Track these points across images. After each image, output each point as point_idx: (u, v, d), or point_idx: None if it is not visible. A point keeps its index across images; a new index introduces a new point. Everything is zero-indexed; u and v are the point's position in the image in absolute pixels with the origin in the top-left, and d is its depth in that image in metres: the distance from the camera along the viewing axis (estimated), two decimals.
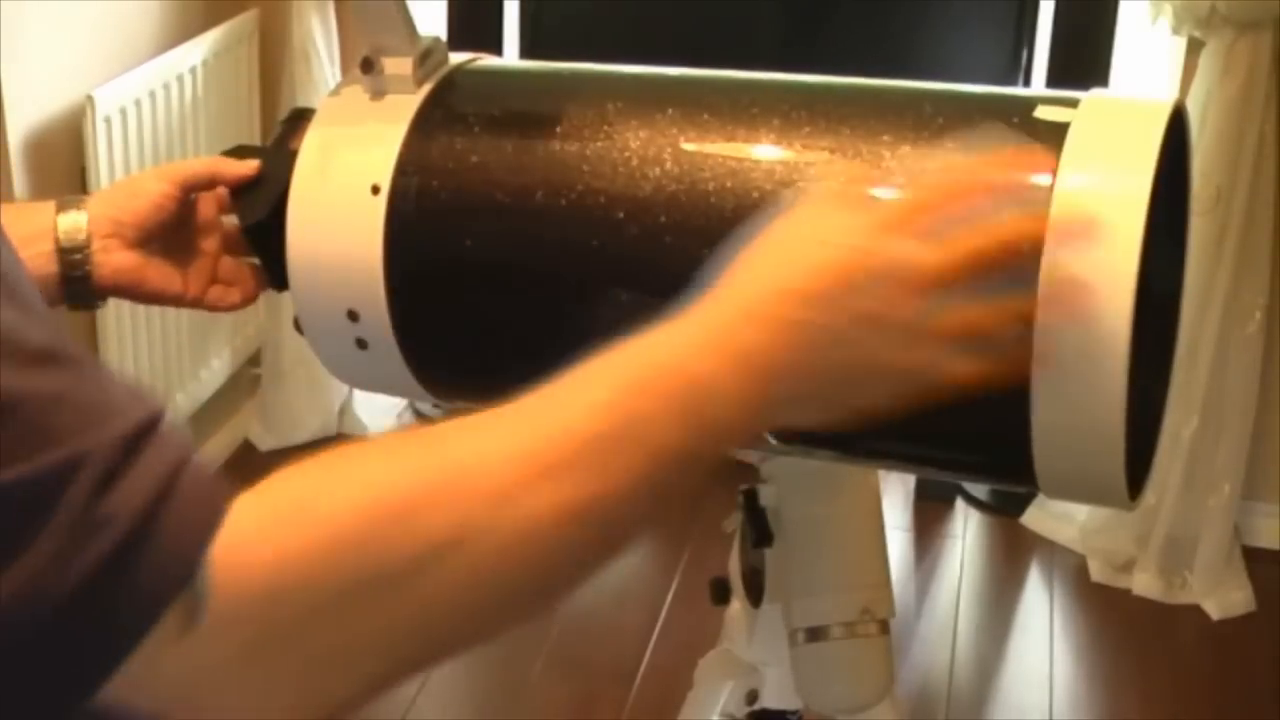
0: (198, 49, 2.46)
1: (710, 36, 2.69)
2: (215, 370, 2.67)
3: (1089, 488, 0.85)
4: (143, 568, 0.60)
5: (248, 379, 2.85)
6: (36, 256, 0.98)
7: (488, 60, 1.04)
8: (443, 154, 0.94)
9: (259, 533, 0.63)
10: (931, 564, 2.63)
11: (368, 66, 0.97)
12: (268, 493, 0.65)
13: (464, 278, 0.96)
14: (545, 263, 0.93)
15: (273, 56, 2.66)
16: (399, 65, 0.96)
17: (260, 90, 2.67)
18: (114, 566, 0.59)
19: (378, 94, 0.97)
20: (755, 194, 0.86)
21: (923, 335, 0.73)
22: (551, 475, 0.67)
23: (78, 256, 0.99)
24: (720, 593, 1.11)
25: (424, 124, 0.95)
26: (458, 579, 0.66)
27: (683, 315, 0.73)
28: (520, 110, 0.97)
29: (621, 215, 0.89)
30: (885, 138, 0.85)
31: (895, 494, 2.73)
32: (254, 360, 2.84)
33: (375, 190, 0.94)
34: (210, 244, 1.05)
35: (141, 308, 2.38)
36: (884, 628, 1.01)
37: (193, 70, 2.45)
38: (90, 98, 2.19)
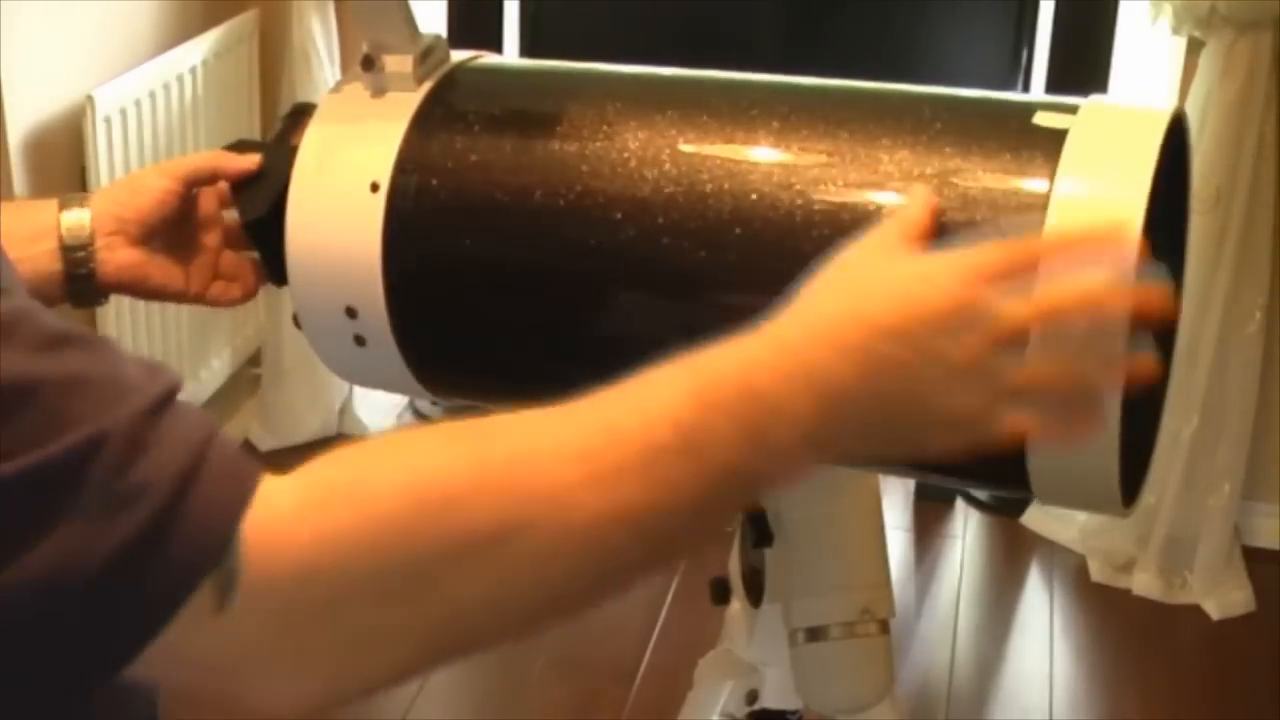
0: (198, 49, 2.46)
1: (710, 37, 2.69)
2: (215, 370, 2.67)
3: (1084, 495, 0.85)
4: (175, 540, 0.60)
5: (248, 379, 2.85)
6: (40, 255, 0.99)
7: (489, 58, 1.04)
8: (442, 152, 0.94)
9: (296, 513, 0.63)
10: (931, 564, 2.63)
11: (368, 64, 0.97)
12: (308, 474, 0.65)
13: (462, 276, 0.96)
14: (544, 262, 0.93)
15: (273, 56, 2.66)
16: (399, 63, 0.96)
17: (260, 90, 2.67)
18: (147, 539, 0.59)
19: (378, 91, 0.97)
20: (753, 196, 0.86)
21: (997, 387, 0.71)
22: (604, 480, 0.67)
23: (81, 254, 0.99)
24: (720, 593, 1.11)
25: (424, 122, 0.95)
26: (498, 575, 0.66)
27: (757, 333, 0.72)
28: (520, 109, 0.97)
29: (619, 216, 0.89)
30: (884, 141, 0.85)
31: (895, 494, 2.73)
32: (254, 360, 2.84)
33: (375, 188, 0.94)
34: (212, 239, 1.05)
35: (141, 308, 2.38)
36: (884, 628, 1.00)
37: (193, 70, 2.45)
38: (90, 98, 2.19)
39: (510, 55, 2.63)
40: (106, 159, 2.23)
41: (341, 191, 0.95)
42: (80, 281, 1.00)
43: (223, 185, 1.04)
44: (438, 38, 0.99)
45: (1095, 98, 0.86)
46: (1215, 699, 2.34)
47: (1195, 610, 2.52)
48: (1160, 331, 0.93)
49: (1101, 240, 0.74)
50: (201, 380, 2.63)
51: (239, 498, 0.62)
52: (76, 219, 1.00)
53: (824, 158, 0.86)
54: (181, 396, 0.65)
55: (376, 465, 0.66)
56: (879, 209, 0.83)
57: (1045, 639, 2.45)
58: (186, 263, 1.05)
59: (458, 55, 1.02)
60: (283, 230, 0.97)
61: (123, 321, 2.34)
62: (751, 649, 1.09)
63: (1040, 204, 0.79)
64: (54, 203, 1.01)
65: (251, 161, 1.01)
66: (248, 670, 0.64)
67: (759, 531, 1.02)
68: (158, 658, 0.61)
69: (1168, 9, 2.33)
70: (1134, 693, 2.36)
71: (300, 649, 0.64)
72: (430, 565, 0.64)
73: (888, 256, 0.75)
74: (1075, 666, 2.40)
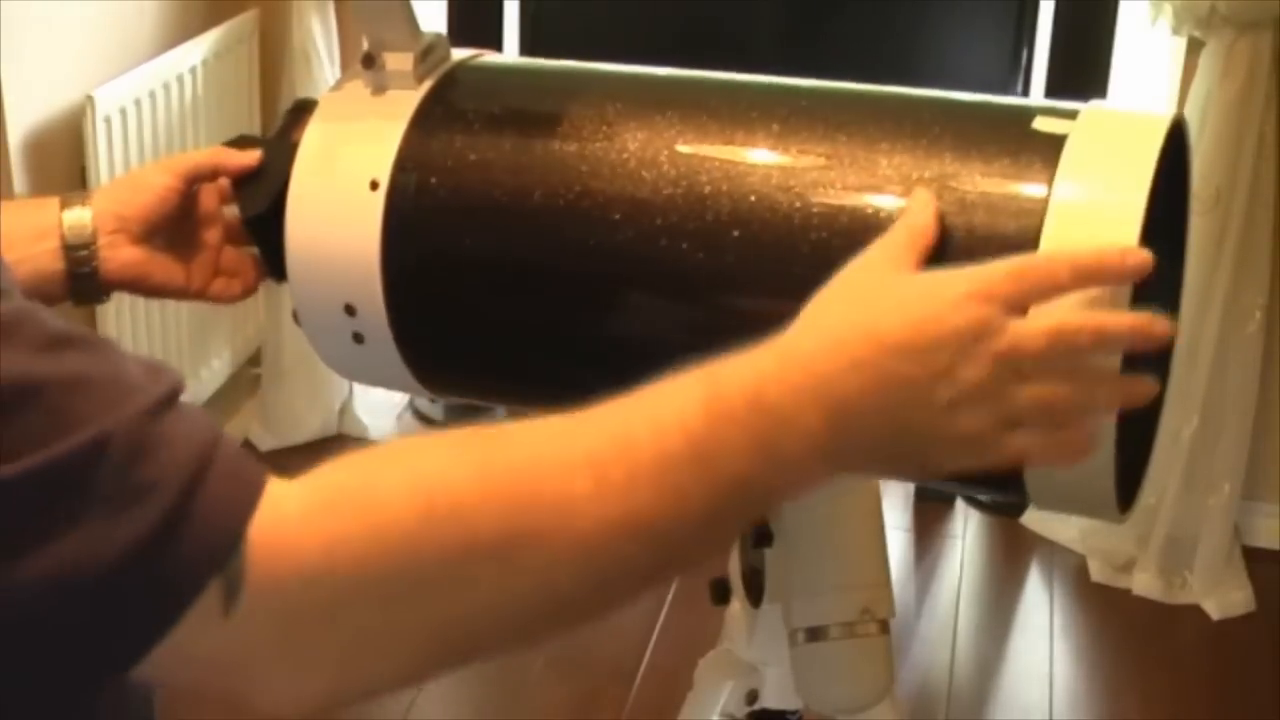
0: (198, 49, 2.46)
1: (710, 37, 2.69)
2: (215, 370, 2.67)
3: (1080, 503, 0.85)
4: (183, 541, 0.60)
5: (248, 379, 2.85)
6: (42, 254, 0.99)
7: (490, 57, 1.04)
8: (442, 151, 0.94)
9: (303, 517, 0.63)
10: (931, 564, 2.63)
11: (369, 62, 0.97)
12: (316, 479, 0.65)
13: (461, 275, 0.96)
14: (542, 262, 0.93)
15: (273, 56, 2.66)
16: (400, 61, 0.96)
17: (260, 90, 2.67)
18: (156, 540, 0.59)
19: (379, 89, 0.97)
20: (752, 198, 0.86)
21: (1003, 408, 0.71)
22: (612, 489, 0.66)
23: (84, 253, 0.99)
24: (720, 593, 1.11)
25: (424, 120, 0.95)
26: (505, 582, 0.66)
27: (768, 344, 0.72)
28: (520, 109, 0.97)
29: (618, 216, 0.89)
30: (882, 144, 0.85)
31: (895, 494, 2.73)
32: (254, 360, 2.84)
33: (374, 186, 0.94)
34: (213, 235, 1.05)
35: (141, 308, 2.38)
36: (884, 627, 1.00)
37: (193, 70, 2.45)
38: (90, 98, 2.19)
39: (511, 55, 2.63)
40: (106, 159, 2.23)
41: (341, 189, 0.95)
42: (83, 280, 1.00)
43: (223, 181, 1.04)
44: (439, 36, 0.99)
45: (1095, 103, 0.86)
46: (1215, 699, 2.34)
47: (1195, 610, 2.52)
48: (1169, 303, 0.93)
49: (1104, 257, 0.74)
50: (201, 380, 2.63)
51: (246, 500, 0.62)
52: (78, 218, 0.99)
53: (822, 160, 0.86)
54: (183, 397, 0.65)
55: (384, 471, 0.66)
56: (877, 212, 0.83)
57: (1045, 639, 2.45)
58: (187, 259, 1.05)
59: (459, 53, 1.01)
60: (283, 226, 0.97)
61: (123, 321, 2.34)
62: (751, 649, 1.09)
63: (1039, 209, 0.79)
64: (55, 201, 1.01)
65: (252, 157, 1.01)
66: (252, 671, 0.64)
67: (759, 531, 1.02)
68: (164, 657, 0.61)
69: (1168, 9, 2.33)
70: (1134, 693, 2.36)
71: (305, 651, 0.64)
72: (437, 572, 0.65)
73: (896, 270, 0.75)
74: (1075, 666, 2.40)
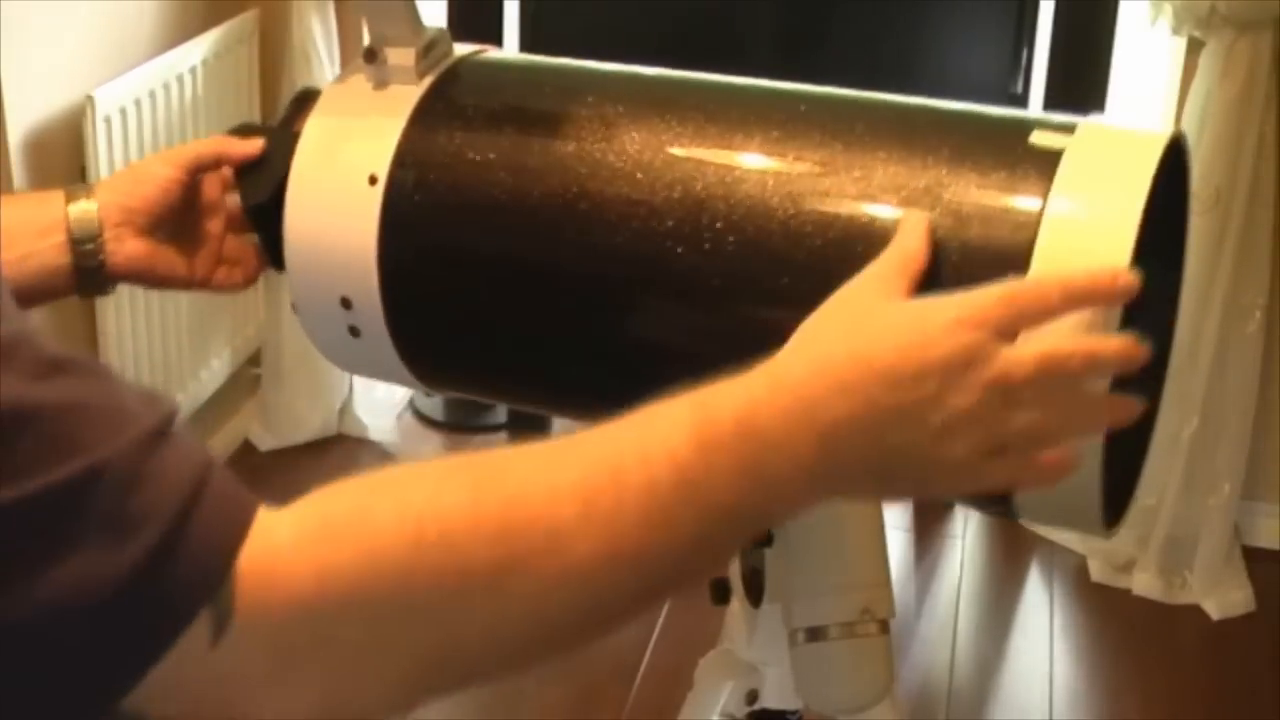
0: (198, 49, 2.46)
1: (711, 36, 2.69)
2: (215, 370, 2.67)
3: (1066, 519, 0.85)
4: (174, 572, 0.60)
5: (248, 379, 2.85)
6: (49, 249, 0.99)
7: (492, 53, 1.04)
8: (441, 148, 0.94)
9: (294, 546, 0.63)
10: (931, 564, 2.63)
11: (370, 56, 0.97)
12: (306, 508, 0.65)
13: (457, 273, 0.96)
14: (538, 262, 0.93)
15: (273, 56, 2.66)
16: (402, 56, 0.96)
17: (260, 90, 2.67)
18: (146, 570, 0.59)
19: (380, 84, 0.97)
20: (746, 204, 0.86)
21: (992, 435, 0.71)
22: (602, 519, 0.66)
23: (90, 247, 1.00)
24: (720, 593, 1.11)
25: (424, 117, 0.95)
26: (496, 612, 0.66)
27: (758, 369, 0.72)
28: (520, 107, 0.97)
29: (614, 219, 0.89)
30: (879, 154, 0.85)
31: None
32: (254, 360, 2.84)
33: (373, 181, 0.94)
34: (215, 225, 1.05)
35: (141, 309, 2.38)
36: (884, 628, 1.00)
37: (193, 70, 2.45)
38: (90, 98, 2.19)
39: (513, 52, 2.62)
40: (106, 159, 2.23)
41: (340, 183, 0.95)
42: (89, 274, 1.00)
43: (226, 170, 1.04)
44: (441, 32, 0.99)
45: (1093, 118, 0.86)
46: (1215, 699, 2.34)
47: (1195, 610, 2.52)
48: (1158, 337, 0.93)
49: (1095, 280, 0.74)
50: (201, 380, 2.63)
51: (237, 530, 0.62)
52: (84, 211, 1.00)
53: (818, 168, 0.86)
54: (180, 421, 0.64)
55: (374, 501, 0.66)
56: (871, 221, 0.83)
57: (1045, 639, 2.45)
58: (191, 249, 1.05)
59: (461, 49, 1.02)
60: (283, 217, 0.97)
61: (123, 321, 2.34)
62: (751, 649, 1.09)
63: (1032, 224, 0.78)
64: (59, 195, 1.01)
65: (255, 146, 1.02)
66: (242, 700, 0.64)
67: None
68: (152, 687, 0.61)
69: (1168, 9, 2.33)
70: (1134, 693, 2.36)
71: (294, 679, 0.64)
72: (427, 600, 0.65)
73: (887, 296, 0.75)
74: (1075, 666, 2.40)
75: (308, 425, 2.84)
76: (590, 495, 0.67)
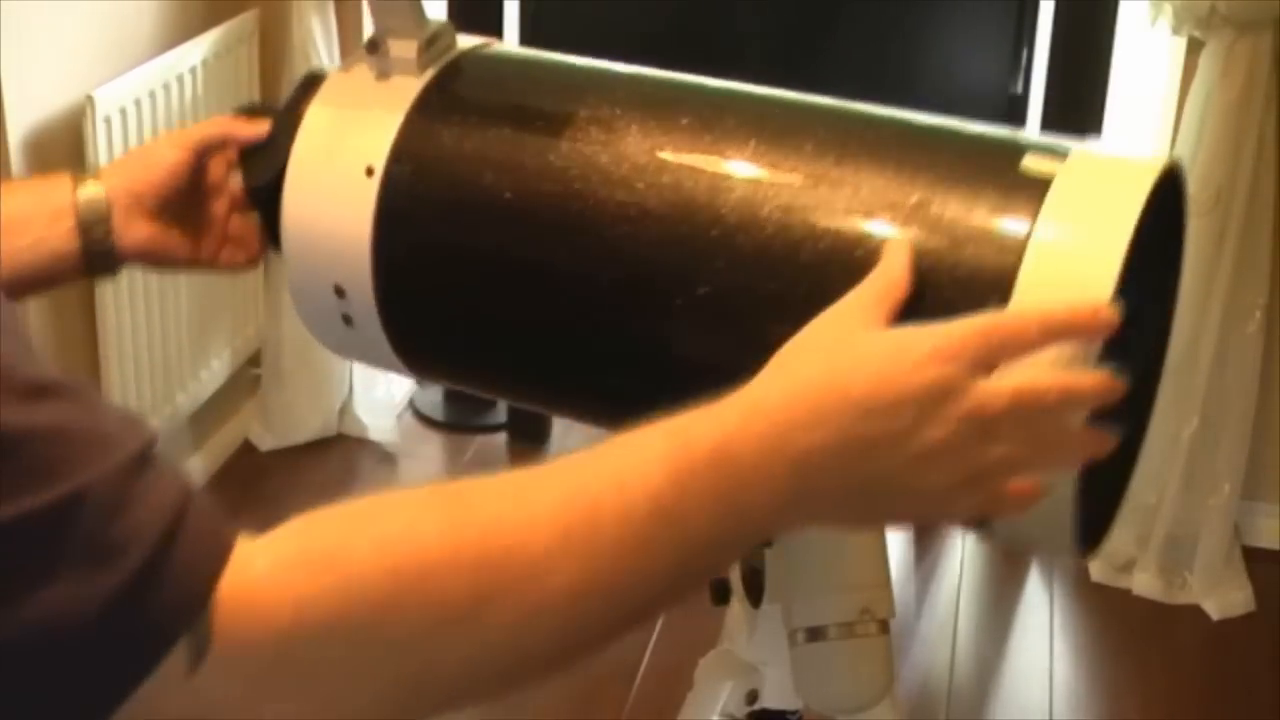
0: (198, 49, 2.46)
1: (711, 35, 2.69)
2: (215, 370, 2.67)
3: (1038, 541, 0.85)
4: (153, 601, 0.60)
5: (248, 379, 2.85)
6: (59, 234, 0.99)
7: (496, 47, 1.04)
8: (438, 144, 0.95)
9: (272, 576, 0.63)
10: (931, 564, 2.63)
11: (373, 47, 0.97)
12: (285, 537, 0.65)
13: (449, 267, 0.96)
14: (530, 262, 0.93)
15: (273, 56, 2.66)
16: (404, 48, 0.97)
17: (260, 90, 2.67)
18: (125, 600, 0.59)
19: (382, 74, 0.98)
20: (738, 211, 0.85)
21: (967, 467, 0.71)
22: (579, 552, 0.67)
23: (99, 231, 1.00)
24: (720, 593, 1.11)
25: (423, 110, 0.96)
26: (474, 643, 0.66)
27: (734, 397, 0.72)
28: (518, 105, 0.97)
29: (606, 221, 0.89)
30: (872, 169, 0.84)
31: None
32: (254, 360, 2.84)
33: (370, 172, 0.94)
34: (221, 205, 1.06)
35: (141, 308, 2.38)
36: (884, 627, 1.00)
37: (193, 70, 2.45)
38: (90, 98, 2.19)
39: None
40: (107, 159, 2.23)
41: (338, 173, 0.96)
42: (98, 257, 1.01)
43: (232, 151, 1.04)
44: (444, 24, 0.99)
45: (1088, 144, 0.86)
46: (1215, 699, 2.34)
47: (1195, 610, 2.52)
48: (1155, 339, 0.93)
49: (1074, 315, 0.74)
50: (201, 380, 2.63)
51: (217, 558, 0.62)
52: (92, 196, 1.00)
53: (810, 180, 0.86)
54: (159, 446, 0.64)
55: (352, 530, 0.66)
56: (860, 236, 0.83)
57: (1045, 639, 2.45)
58: (196, 229, 1.06)
59: (466, 41, 1.02)
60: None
61: (123, 322, 2.34)
62: (751, 649, 1.09)
63: (1016, 251, 0.78)
64: (66, 180, 1.01)
65: (261, 128, 1.02)
66: None
67: None
68: (131, 711, 0.60)
69: (1168, 9, 2.33)
70: (1134, 693, 2.36)
71: (272, 709, 0.64)
72: (405, 632, 0.65)
73: (866, 325, 0.75)
74: (1075, 666, 2.40)
75: (308, 425, 2.84)
76: (567, 525, 0.67)
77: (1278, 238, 2.42)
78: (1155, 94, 2.53)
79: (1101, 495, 0.85)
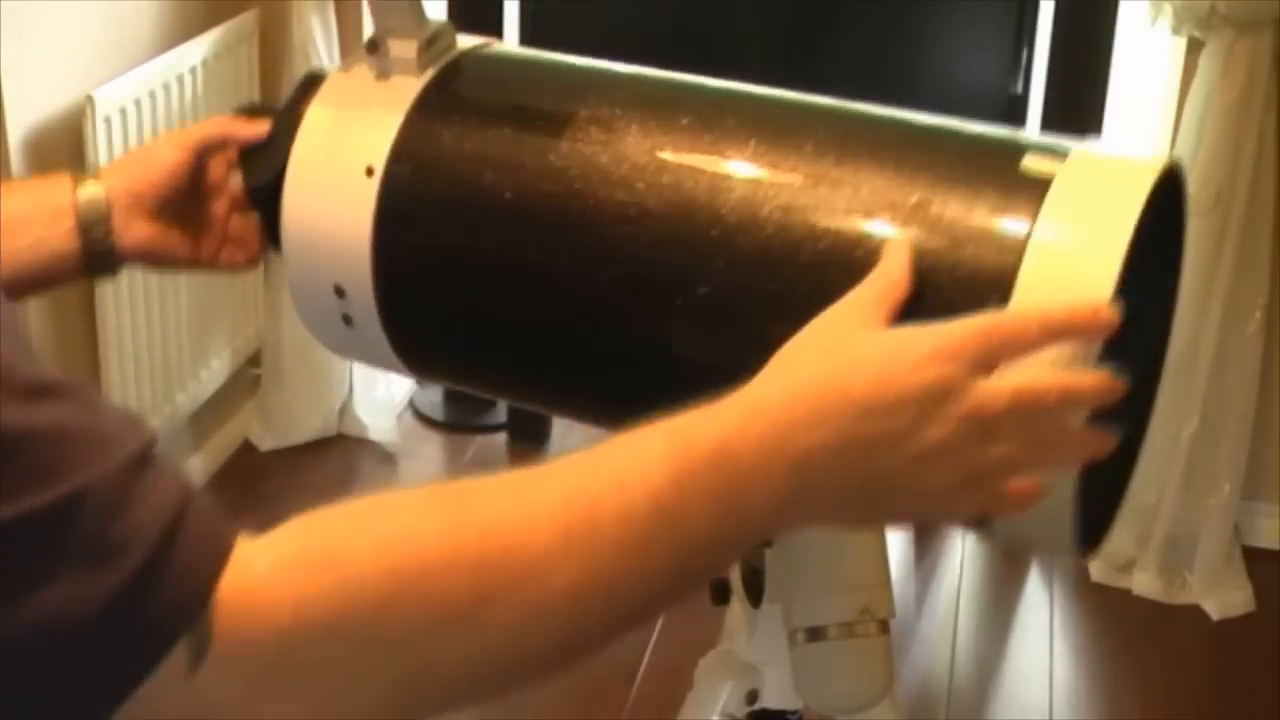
0: (198, 49, 2.46)
1: (712, 35, 2.69)
2: (215, 370, 2.67)
3: (1038, 541, 0.85)
4: (153, 601, 0.60)
5: (248, 379, 2.85)
6: (59, 235, 0.99)
7: (496, 47, 1.04)
8: (438, 144, 0.95)
9: (272, 576, 0.63)
10: (931, 564, 2.63)
11: (373, 47, 0.97)
12: (285, 537, 0.65)
13: (448, 268, 0.96)
14: (529, 263, 0.93)
15: (273, 56, 2.66)
16: (404, 48, 0.97)
17: (260, 90, 2.67)
18: (125, 600, 0.59)
19: (382, 74, 0.98)
20: (738, 211, 0.86)
21: (967, 467, 0.71)
22: (578, 552, 0.67)
23: (99, 232, 1.00)
24: (720, 593, 1.11)
25: (423, 110, 0.96)
26: (474, 643, 0.66)
27: (734, 397, 0.72)
28: (518, 105, 0.97)
29: (606, 222, 0.89)
30: (872, 169, 0.84)
31: None
32: (254, 360, 2.84)
33: (370, 172, 0.94)
34: (221, 205, 1.06)
35: (142, 308, 2.38)
36: (884, 627, 1.00)
37: (193, 70, 2.45)
38: (90, 98, 2.19)
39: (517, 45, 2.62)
40: (107, 159, 2.23)
41: (338, 174, 0.96)
42: (98, 257, 1.01)
43: (232, 150, 1.04)
44: (444, 24, 0.99)
45: (1088, 144, 0.85)
46: (1215, 699, 2.34)
47: (1195, 610, 2.52)
48: (1155, 339, 0.93)
49: (1075, 315, 0.74)
50: (201, 380, 2.63)
51: (217, 558, 0.62)
52: (92, 196, 1.00)
53: (810, 180, 0.86)
54: (160, 447, 0.64)
55: (352, 530, 0.66)
56: (860, 236, 0.83)
57: (1045, 639, 2.45)
58: (197, 229, 1.06)
59: (466, 41, 1.02)
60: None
61: (123, 322, 2.34)
62: (751, 649, 1.09)
63: (1017, 251, 0.78)
64: (66, 180, 1.01)
65: (261, 128, 1.02)
66: None
67: None
68: (131, 711, 0.60)
69: (1168, 9, 2.33)
70: (1134, 693, 2.36)
71: (272, 709, 0.64)
72: (405, 632, 0.65)
73: (866, 325, 0.74)
74: (1075, 666, 2.40)
75: (308, 425, 2.84)
76: (567, 525, 0.67)
77: (1278, 238, 2.42)
78: (1155, 94, 2.53)
79: (1102, 495, 0.85)
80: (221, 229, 1.06)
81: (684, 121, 0.91)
